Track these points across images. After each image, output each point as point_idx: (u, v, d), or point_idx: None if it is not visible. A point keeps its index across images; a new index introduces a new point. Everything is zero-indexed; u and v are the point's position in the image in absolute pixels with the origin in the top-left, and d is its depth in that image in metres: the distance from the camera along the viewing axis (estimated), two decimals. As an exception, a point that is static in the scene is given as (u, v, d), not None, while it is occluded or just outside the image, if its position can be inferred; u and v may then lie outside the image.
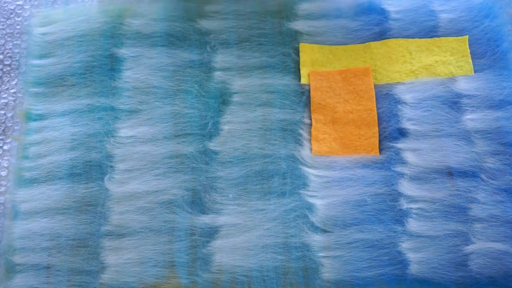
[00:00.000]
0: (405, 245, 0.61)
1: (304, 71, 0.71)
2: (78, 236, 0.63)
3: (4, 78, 0.74)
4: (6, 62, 0.75)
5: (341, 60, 0.72)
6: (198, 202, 0.65)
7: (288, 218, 0.63)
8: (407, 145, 0.65)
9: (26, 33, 0.76)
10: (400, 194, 0.63)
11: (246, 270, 0.61)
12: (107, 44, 0.73)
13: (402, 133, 0.66)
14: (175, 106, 0.69)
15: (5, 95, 0.73)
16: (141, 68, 0.71)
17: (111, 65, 0.72)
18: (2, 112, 0.72)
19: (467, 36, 0.70)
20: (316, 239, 0.62)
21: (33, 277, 0.62)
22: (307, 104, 0.69)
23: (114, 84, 0.70)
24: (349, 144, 0.67)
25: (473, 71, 0.69)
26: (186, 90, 0.70)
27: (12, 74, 0.74)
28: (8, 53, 0.75)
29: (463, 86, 0.68)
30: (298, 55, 0.72)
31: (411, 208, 0.62)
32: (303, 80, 0.70)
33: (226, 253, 0.62)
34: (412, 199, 0.63)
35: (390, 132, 0.67)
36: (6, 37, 0.76)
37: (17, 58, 0.75)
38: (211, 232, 0.63)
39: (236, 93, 0.69)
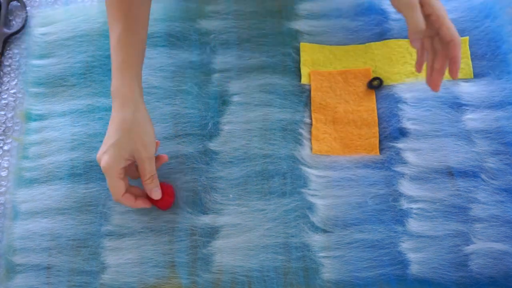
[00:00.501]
0: (405, 245, 0.61)
1: (304, 71, 0.71)
2: (79, 236, 0.63)
3: (4, 78, 0.74)
4: (6, 63, 0.75)
5: (342, 60, 0.72)
6: (198, 202, 0.65)
7: (289, 218, 0.63)
8: (407, 145, 0.65)
9: (26, 34, 0.76)
10: (400, 194, 0.63)
11: (246, 270, 0.61)
12: (107, 44, 0.73)
13: (402, 133, 0.66)
14: (175, 107, 0.69)
15: (5, 96, 0.73)
16: (141, 68, 0.71)
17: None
18: (2, 112, 0.72)
19: (467, 38, 0.70)
20: (316, 239, 0.62)
21: (33, 278, 0.62)
22: (307, 104, 0.69)
23: (114, 84, 0.70)
24: (349, 144, 0.67)
25: (472, 75, 0.68)
26: (186, 90, 0.70)
27: (12, 75, 0.74)
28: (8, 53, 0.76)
29: (463, 86, 0.68)
30: (298, 55, 0.72)
31: (411, 208, 0.62)
32: (303, 80, 0.70)
33: (227, 253, 0.61)
34: (412, 199, 0.63)
35: (390, 132, 0.67)
36: None
37: (17, 59, 0.75)
38: (212, 232, 0.63)
39: (236, 93, 0.69)
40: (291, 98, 0.69)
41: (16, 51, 0.76)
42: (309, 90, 0.70)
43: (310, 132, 0.68)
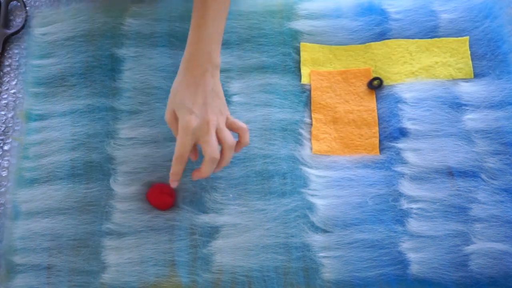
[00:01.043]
0: (405, 245, 0.61)
1: (304, 70, 0.71)
2: (79, 236, 0.63)
3: (4, 78, 0.74)
4: (6, 63, 0.75)
5: (342, 60, 0.72)
6: (198, 202, 0.65)
7: (289, 218, 0.63)
8: (407, 145, 0.65)
9: (26, 34, 0.76)
10: (400, 194, 0.63)
11: (246, 270, 0.61)
12: (107, 44, 0.73)
13: (402, 133, 0.66)
14: (175, 107, 0.69)
15: (5, 96, 0.73)
16: (141, 69, 0.71)
17: (111, 65, 0.72)
18: (3, 112, 0.72)
19: (467, 37, 0.70)
20: (316, 239, 0.62)
21: (33, 278, 0.62)
22: (307, 103, 0.69)
23: (114, 84, 0.70)
24: (349, 143, 0.67)
25: (472, 75, 0.68)
26: (187, 90, 0.70)
27: (12, 75, 0.74)
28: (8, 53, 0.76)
29: (463, 86, 0.68)
30: (299, 55, 0.72)
31: (411, 208, 0.62)
32: (304, 80, 0.70)
33: (227, 253, 0.62)
34: (412, 199, 0.63)
35: (390, 132, 0.67)
36: None
37: (17, 59, 0.75)
38: (212, 232, 0.63)
39: (236, 93, 0.69)
40: (291, 98, 0.69)
41: (16, 51, 0.76)
42: (309, 90, 0.70)
43: (310, 132, 0.68)
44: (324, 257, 0.61)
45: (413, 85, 0.68)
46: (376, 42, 0.71)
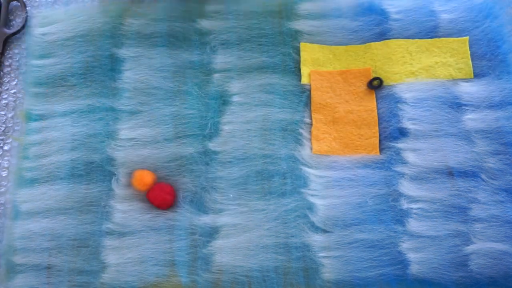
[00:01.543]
0: (405, 245, 0.61)
1: (304, 71, 0.71)
2: (79, 236, 0.63)
3: (5, 78, 0.74)
4: (6, 63, 0.75)
5: (342, 60, 0.72)
6: (198, 202, 0.65)
7: (289, 218, 0.63)
8: (407, 145, 0.65)
9: (26, 34, 0.76)
10: (400, 194, 0.63)
11: (246, 270, 0.61)
12: (107, 44, 0.73)
13: (402, 133, 0.66)
14: (175, 107, 0.69)
15: (6, 96, 0.73)
16: (141, 69, 0.71)
17: (112, 66, 0.72)
18: (3, 112, 0.72)
19: (467, 37, 0.70)
20: (316, 239, 0.62)
21: (33, 278, 0.62)
22: (307, 103, 0.69)
23: (114, 84, 0.70)
24: (349, 143, 0.67)
25: (472, 75, 0.69)
26: (187, 91, 0.70)
27: (12, 75, 0.74)
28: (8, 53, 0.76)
29: (463, 86, 0.68)
30: (298, 55, 0.72)
31: (411, 208, 0.62)
32: (304, 80, 0.70)
33: (227, 253, 0.62)
34: (412, 199, 0.63)
35: (390, 132, 0.67)
36: None
37: (17, 59, 0.75)
38: (212, 232, 0.63)
39: (236, 93, 0.69)
40: (291, 98, 0.69)
41: (16, 51, 0.76)
42: (309, 90, 0.70)
43: (310, 132, 0.68)
44: (324, 257, 0.61)
45: (413, 85, 0.68)
46: (376, 42, 0.71)
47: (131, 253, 0.62)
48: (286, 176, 0.65)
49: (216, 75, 0.70)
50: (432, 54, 0.70)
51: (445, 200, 0.62)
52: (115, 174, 0.66)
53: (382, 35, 0.72)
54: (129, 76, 0.70)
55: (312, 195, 0.64)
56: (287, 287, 0.61)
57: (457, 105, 0.67)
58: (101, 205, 0.65)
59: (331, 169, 0.65)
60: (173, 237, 0.63)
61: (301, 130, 0.68)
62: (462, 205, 0.62)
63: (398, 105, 0.67)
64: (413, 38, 0.71)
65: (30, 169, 0.67)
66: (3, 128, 0.71)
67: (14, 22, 0.78)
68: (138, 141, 0.67)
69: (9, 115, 0.72)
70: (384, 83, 0.69)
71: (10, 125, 0.71)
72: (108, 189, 0.65)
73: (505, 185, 0.63)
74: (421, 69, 0.69)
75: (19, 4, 0.78)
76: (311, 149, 0.67)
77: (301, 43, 0.72)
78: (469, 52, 0.70)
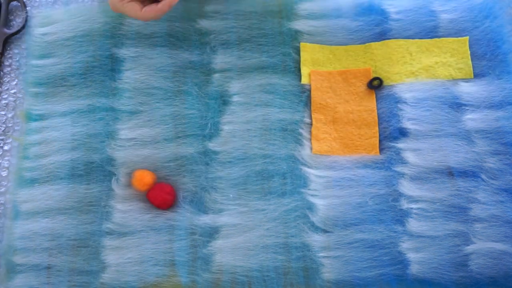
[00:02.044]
0: (405, 245, 0.61)
1: (304, 71, 0.71)
2: (79, 236, 0.63)
3: (5, 78, 0.74)
4: (6, 63, 0.75)
5: (342, 60, 0.72)
6: (198, 202, 0.65)
7: (289, 218, 0.63)
8: (407, 145, 0.65)
9: (26, 34, 0.76)
10: (400, 194, 0.63)
11: (246, 270, 0.61)
12: (107, 44, 0.73)
13: (402, 133, 0.66)
14: (175, 108, 0.69)
15: (6, 96, 0.73)
16: (141, 69, 0.71)
17: (111, 66, 0.72)
18: (3, 112, 0.72)
19: (467, 37, 0.70)
20: (316, 239, 0.62)
21: (33, 278, 0.62)
22: (307, 103, 0.69)
23: (114, 84, 0.70)
24: (349, 144, 0.67)
25: (472, 75, 0.69)
26: (186, 91, 0.70)
27: (12, 75, 0.74)
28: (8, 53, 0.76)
29: (463, 86, 0.68)
30: (298, 55, 0.72)
31: (411, 208, 0.62)
32: (304, 80, 0.70)
33: (227, 253, 0.62)
34: (412, 199, 0.63)
35: (390, 132, 0.67)
36: None
37: (17, 59, 0.75)
38: (212, 232, 0.63)
39: (236, 93, 0.69)
40: (291, 98, 0.69)
41: (16, 51, 0.76)
42: (309, 90, 0.70)
43: (310, 132, 0.68)
44: (324, 257, 0.61)
45: (413, 85, 0.68)
46: (376, 42, 0.71)
47: (131, 253, 0.62)
48: (286, 176, 0.65)
49: (216, 75, 0.70)
50: (432, 54, 0.70)
51: (445, 200, 0.62)
52: (115, 174, 0.66)
53: (382, 35, 0.72)
54: (129, 76, 0.70)
55: (312, 195, 0.64)
56: (287, 287, 0.61)
57: (457, 105, 0.67)
58: (101, 205, 0.65)
59: (331, 169, 0.65)
60: (173, 237, 0.63)
61: (301, 130, 0.68)
62: (462, 205, 0.62)
63: (398, 105, 0.67)
64: (413, 38, 0.71)
65: (30, 169, 0.67)
66: (3, 128, 0.71)
67: (14, 22, 0.78)
68: (138, 141, 0.67)
69: (9, 115, 0.72)
70: (384, 83, 0.69)
71: (10, 125, 0.71)
72: (108, 189, 0.65)
73: (505, 185, 0.63)
74: (421, 69, 0.69)
75: (19, 4, 0.78)
76: (311, 149, 0.67)
77: (301, 43, 0.72)
78: (469, 52, 0.70)
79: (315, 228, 0.62)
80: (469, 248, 0.60)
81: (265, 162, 0.66)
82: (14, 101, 0.73)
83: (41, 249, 0.63)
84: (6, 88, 0.74)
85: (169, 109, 0.69)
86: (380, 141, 0.67)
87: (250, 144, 0.66)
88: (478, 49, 0.70)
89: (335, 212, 0.63)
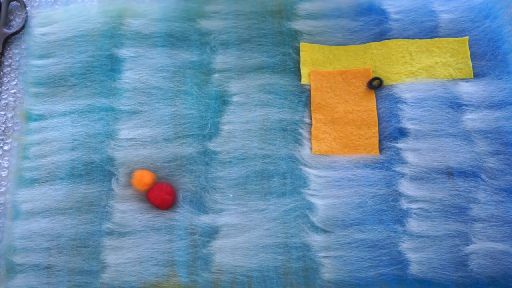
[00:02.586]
0: (405, 245, 0.61)
1: (304, 71, 0.71)
2: (79, 236, 0.63)
3: (4, 78, 0.74)
4: (6, 63, 0.75)
5: (341, 60, 0.72)
6: (198, 202, 0.65)
7: (288, 218, 0.63)
8: (407, 145, 0.65)
9: (26, 34, 0.76)
10: (400, 194, 0.63)
11: (246, 270, 0.61)
12: (107, 44, 0.73)
13: (402, 133, 0.66)
14: (175, 108, 0.69)
15: (5, 96, 0.73)
16: (141, 69, 0.71)
17: (111, 66, 0.72)
18: (2, 112, 0.72)
19: (467, 37, 0.70)
20: (316, 239, 0.62)
21: (33, 278, 0.62)
22: (307, 103, 0.69)
23: (114, 84, 0.70)
24: (349, 144, 0.67)
25: (472, 75, 0.69)
26: (186, 91, 0.70)
27: (12, 75, 0.74)
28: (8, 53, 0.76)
29: (463, 86, 0.68)
30: (298, 55, 0.72)
31: (411, 208, 0.62)
32: (303, 80, 0.70)
33: (227, 253, 0.62)
34: (412, 199, 0.63)
35: (390, 132, 0.67)
36: None
37: (17, 59, 0.75)
38: (212, 232, 0.63)
39: (236, 93, 0.69)
40: (291, 98, 0.69)
41: (16, 51, 0.76)
42: (309, 90, 0.70)
43: (310, 132, 0.68)
44: (324, 257, 0.61)
45: (413, 85, 0.68)
46: (376, 42, 0.71)
47: (131, 253, 0.62)
48: (286, 176, 0.65)
49: (216, 75, 0.70)
50: (432, 54, 0.70)
51: (445, 200, 0.62)
52: (115, 174, 0.66)
53: (382, 35, 0.72)
54: (129, 76, 0.70)
55: (312, 195, 0.64)
56: (287, 287, 0.61)
57: (457, 105, 0.67)
58: (101, 205, 0.65)
59: (331, 169, 0.65)
60: (173, 237, 0.63)
61: (301, 130, 0.68)
62: (462, 205, 0.62)
63: (398, 105, 0.67)
64: (413, 38, 0.71)
65: (30, 169, 0.67)
66: (3, 128, 0.71)
67: (14, 22, 0.78)
68: (138, 141, 0.67)
69: (9, 115, 0.72)
70: (384, 83, 0.69)
71: (10, 125, 0.71)
72: (108, 189, 0.65)
73: (505, 185, 0.63)
74: (421, 69, 0.69)
75: (19, 4, 0.78)
76: (311, 149, 0.67)
77: (301, 43, 0.72)
78: (469, 52, 0.70)
79: (315, 228, 0.62)
80: (469, 248, 0.60)
81: (265, 162, 0.66)
82: (14, 101, 0.73)
83: (41, 249, 0.63)
84: (6, 88, 0.74)
85: (169, 109, 0.69)
86: (380, 141, 0.67)
87: (250, 144, 0.67)
88: (478, 49, 0.70)
89: (335, 212, 0.63)
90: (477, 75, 0.69)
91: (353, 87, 0.70)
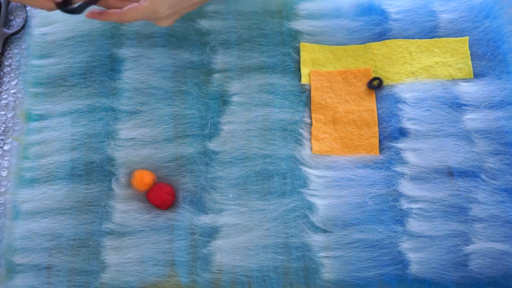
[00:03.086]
0: (405, 245, 0.61)
1: (304, 71, 0.71)
2: (79, 236, 0.63)
3: (5, 78, 0.74)
4: (6, 63, 0.75)
5: (342, 60, 0.72)
6: (198, 202, 0.65)
7: (288, 218, 0.63)
8: (407, 145, 0.65)
9: (26, 34, 0.76)
10: (400, 194, 0.63)
11: (246, 270, 0.61)
12: (107, 44, 0.73)
13: (402, 133, 0.66)
14: (175, 108, 0.69)
15: (5, 96, 0.73)
16: (141, 69, 0.71)
17: (111, 66, 0.72)
18: (2, 112, 0.72)
19: (467, 37, 0.70)
20: (316, 239, 0.62)
21: (33, 278, 0.62)
22: (307, 103, 0.69)
23: (114, 84, 0.70)
24: (349, 144, 0.67)
25: (472, 75, 0.69)
26: (186, 91, 0.70)
27: (12, 75, 0.74)
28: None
29: (463, 86, 0.68)
30: (298, 55, 0.72)
31: (411, 208, 0.62)
32: (303, 80, 0.70)
33: (227, 253, 0.62)
34: (412, 199, 0.63)
35: (390, 132, 0.67)
36: None
37: (17, 59, 0.75)
38: (212, 232, 0.63)
39: (236, 93, 0.69)
40: (291, 98, 0.69)
41: (16, 51, 0.76)
42: (309, 90, 0.70)
43: (310, 132, 0.68)
44: (324, 257, 0.61)
45: (413, 85, 0.68)
46: (376, 42, 0.71)
47: (131, 253, 0.62)
48: (286, 176, 0.65)
49: (216, 75, 0.70)
50: (432, 54, 0.70)
51: (445, 200, 0.62)
52: (115, 174, 0.66)
53: (382, 35, 0.72)
54: (129, 76, 0.70)
55: (312, 195, 0.64)
56: (287, 287, 0.61)
57: (457, 105, 0.67)
58: (101, 205, 0.65)
59: (331, 169, 0.65)
60: (173, 237, 0.63)
61: (301, 130, 0.68)
62: (462, 205, 0.62)
63: (398, 105, 0.67)
64: (413, 38, 0.71)
65: (30, 169, 0.67)
66: (3, 128, 0.71)
67: (14, 22, 0.78)
68: (138, 141, 0.67)
69: (9, 115, 0.72)
70: (384, 83, 0.69)
71: (10, 125, 0.71)
72: (108, 189, 0.65)
73: (505, 185, 0.63)
74: (421, 69, 0.69)
75: (19, 4, 0.78)
76: (311, 149, 0.67)
77: (301, 43, 0.72)
78: (469, 52, 0.70)
79: (315, 228, 0.62)
80: (469, 248, 0.60)
81: (265, 162, 0.66)
82: (14, 101, 0.73)
83: (41, 249, 0.63)
84: (6, 88, 0.74)
85: (169, 109, 0.69)
86: (380, 141, 0.67)
87: (250, 144, 0.66)
88: (478, 49, 0.70)
89: (335, 212, 0.63)
90: (477, 75, 0.69)
91: (353, 87, 0.70)
